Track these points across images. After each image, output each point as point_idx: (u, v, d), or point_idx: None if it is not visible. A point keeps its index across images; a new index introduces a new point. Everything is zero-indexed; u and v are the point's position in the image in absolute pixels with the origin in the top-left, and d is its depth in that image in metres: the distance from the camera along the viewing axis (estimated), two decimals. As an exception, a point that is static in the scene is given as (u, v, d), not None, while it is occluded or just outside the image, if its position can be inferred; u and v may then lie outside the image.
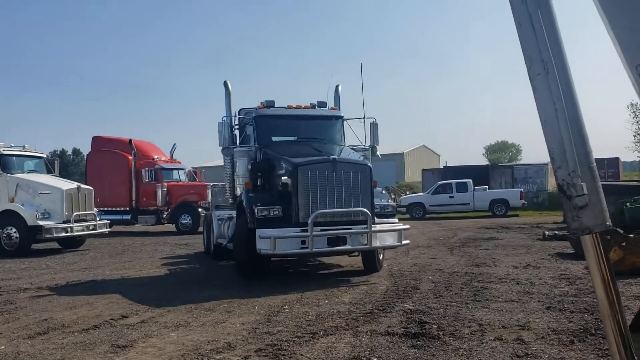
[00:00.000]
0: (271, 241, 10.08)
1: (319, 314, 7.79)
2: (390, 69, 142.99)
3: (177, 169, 26.85)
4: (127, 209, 25.66)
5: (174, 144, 28.45)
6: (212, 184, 24.91)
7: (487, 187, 32.97)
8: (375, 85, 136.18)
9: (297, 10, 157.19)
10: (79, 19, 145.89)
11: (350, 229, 10.39)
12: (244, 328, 7.20)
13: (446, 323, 6.99)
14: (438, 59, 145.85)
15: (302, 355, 5.94)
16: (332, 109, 13.24)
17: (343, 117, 13.27)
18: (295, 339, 6.53)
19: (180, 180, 26.56)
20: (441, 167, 52.27)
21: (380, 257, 11.85)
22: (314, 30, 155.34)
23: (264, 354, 6.02)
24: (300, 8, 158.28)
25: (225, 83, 13.24)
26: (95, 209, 19.30)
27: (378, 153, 13.33)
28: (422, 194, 34.76)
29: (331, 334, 6.72)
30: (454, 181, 32.04)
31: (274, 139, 12.81)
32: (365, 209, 10.41)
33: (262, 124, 12.63)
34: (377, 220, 10.80)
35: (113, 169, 25.63)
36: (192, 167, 30.30)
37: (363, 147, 13.10)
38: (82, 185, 19.22)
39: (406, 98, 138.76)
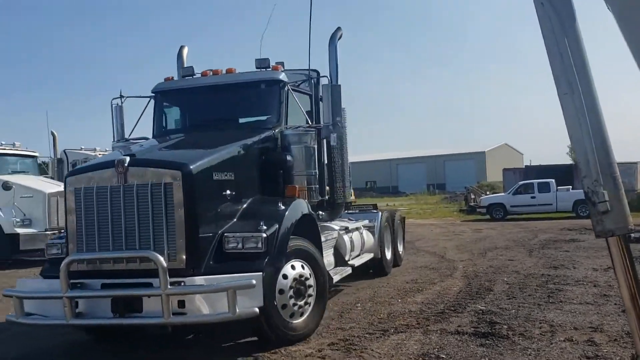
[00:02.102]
0: (15, 302, 6.28)
1: (390, 313, 8.05)
2: (476, 68, 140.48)
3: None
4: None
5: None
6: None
7: (570, 187, 31.83)
8: (461, 83, 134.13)
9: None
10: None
11: (152, 285, 5.87)
12: (318, 324, 7.58)
13: (517, 324, 7.06)
14: (522, 58, 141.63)
15: (372, 350, 6.24)
16: (273, 68, 8.41)
17: (283, 81, 8.27)
18: (367, 335, 6.84)
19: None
20: (523, 166, 50.83)
21: (298, 320, 6.66)
22: (402, 34, 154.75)
23: (336, 348, 6.37)
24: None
25: (180, 50, 9.60)
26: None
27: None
28: (502, 194, 34.01)
29: (401, 332, 6.96)
30: (536, 181, 31.15)
31: (177, 125, 8.91)
32: (153, 253, 5.86)
33: (161, 104, 8.85)
34: (211, 268, 6.13)
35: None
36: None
37: (306, 128, 8.18)
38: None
39: (490, 96, 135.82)
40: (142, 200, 6.12)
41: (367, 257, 10.40)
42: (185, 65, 9.26)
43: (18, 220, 15.29)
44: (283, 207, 6.85)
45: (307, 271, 6.77)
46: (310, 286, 6.78)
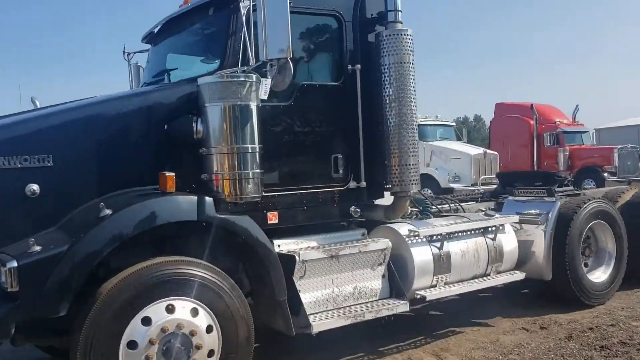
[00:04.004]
0: None
1: None
2: None
3: (580, 132, 25.96)
4: (529, 173, 26.13)
5: (577, 106, 27.50)
6: (619, 146, 23.56)
7: None
8: None
9: None
10: None
11: None
12: (662, 300, 7.09)
13: None
14: None
15: None
16: None
17: (235, 1, 4.99)
18: None
19: (583, 144, 25.63)
20: None
21: None
22: None
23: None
24: None
25: None
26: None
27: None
28: None
29: None
30: None
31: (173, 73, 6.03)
32: None
33: (152, 51, 6.46)
34: None
35: (515, 134, 26.25)
36: (594, 129, 28.95)
37: (229, 74, 4.74)
38: (488, 151, 20.73)
39: None
40: None
41: (502, 280, 6.47)
42: None
43: (450, 177, 19.48)
44: (108, 212, 4.15)
45: (201, 322, 4.24)
46: (199, 347, 4.20)
